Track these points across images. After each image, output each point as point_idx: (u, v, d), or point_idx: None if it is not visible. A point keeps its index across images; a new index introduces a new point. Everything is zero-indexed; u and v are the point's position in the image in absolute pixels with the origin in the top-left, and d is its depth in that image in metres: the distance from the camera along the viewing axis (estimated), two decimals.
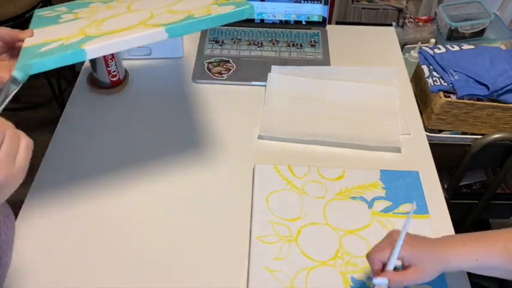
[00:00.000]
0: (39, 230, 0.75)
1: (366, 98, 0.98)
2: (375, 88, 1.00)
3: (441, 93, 1.09)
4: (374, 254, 0.59)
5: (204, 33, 1.13)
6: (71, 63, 0.59)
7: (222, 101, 0.98)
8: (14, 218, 0.73)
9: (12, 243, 0.70)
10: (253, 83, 1.02)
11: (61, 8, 0.81)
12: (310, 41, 1.12)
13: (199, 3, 0.68)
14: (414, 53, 1.30)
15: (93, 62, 0.93)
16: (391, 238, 0.59)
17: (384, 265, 0.58)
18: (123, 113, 0.95)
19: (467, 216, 1.36)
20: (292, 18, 1.15)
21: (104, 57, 0.91)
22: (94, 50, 0.60)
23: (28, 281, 0.68)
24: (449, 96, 1.09)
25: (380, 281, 0.56)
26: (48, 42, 0.64)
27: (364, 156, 0.88)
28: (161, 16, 0.66)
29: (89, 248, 0.73)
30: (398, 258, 0.57)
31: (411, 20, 1.42)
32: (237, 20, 0.64)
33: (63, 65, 0.59)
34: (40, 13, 0.81)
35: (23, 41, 0.66)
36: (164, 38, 0.62)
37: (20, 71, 0.58)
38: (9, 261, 0.68)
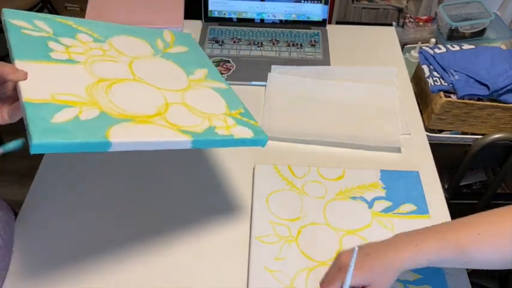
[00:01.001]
0: (38, 230, 0.74)
1: (366, 98, 0.98)
2: (375, 88, 1.00)
3: (441, 93, 1.09)
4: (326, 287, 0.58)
5: (204, 33, 1.13)
6: (91, 151, 0.50)
7: None
8: (14, 222, 0.74)
9: (11, 247, 0.70)
10: (253, 83, 1.02)
11: (41, 23, 0.65)
12: (310, 41, 1.12)
13: (210, 103, 0.66)
14: (414, 53, 1.30)
15: None
16: (339, 264, 0.58)
17: None
18: None
19: None
20: (292, 18, 1.15)
21: None
22: (120, 144, 0.51)
23: (27, 282, 0.68)
24: (449, 96, 1.09)
25: None
26: (56, 102, 0.53)
27: (364, 156, 0.88)
28: (178, 110, 0.60)
29: (89, 248, 0.73)
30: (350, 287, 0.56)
31: (411, 20, 1.42)
32: (249, 146, 0.65)
33: (81, 151, 0.50)
34: (15, 22, 0.62)
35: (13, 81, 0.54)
36: (186, 147, 0.57)
37: (35, 140, 0.47)
38: (7, 266, 0.68)
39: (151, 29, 0.78)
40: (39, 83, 0.55)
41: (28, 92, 0.53)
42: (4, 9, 0.64)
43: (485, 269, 0.59)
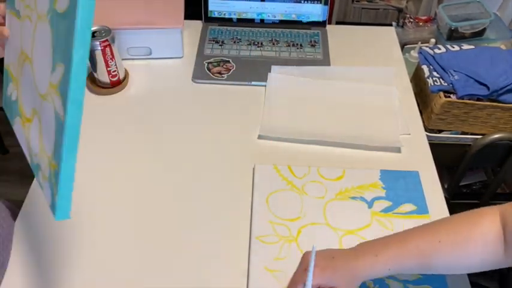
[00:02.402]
0: (38, 229, 0.75)
1: (365, 98, 0.98)
2: (375, 88, 1.00)
3: (441, 93, 1.09)
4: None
5: (204, 33, 1.13)
6: None
7: (222, 101, 0.98)
8: (13, 219, 0.74)
9: (9, 244, 0.70)
10: (253, 83, 1.02)
11: None
12: (310, 41, 1.12)
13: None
14: (414, 53, 1.30)
15: (93, 61, 0.93)
16: (304, 264, 0.60)
17: None
18: (123, 113, 0.95)
19: None
20: (292, 18, 1.15)
21: (104, 56, 0.92)
22: None
23: (27, 281, 0.69)
24: (449, 96, 1.09)
25: None
26: (9, 74, 0.58)
27: (364, 156, 0.88)
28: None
29: (89, 247, 0.73)
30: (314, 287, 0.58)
31: (411, 20, 1.42)
32: None
33: None
34: None
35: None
36: None
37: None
38: (5, 262, 0.68)
39: None
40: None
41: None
42: None
43: (445, 273, 0.61)
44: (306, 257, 0.61)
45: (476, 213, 0.59)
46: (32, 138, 0.53)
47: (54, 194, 0.47)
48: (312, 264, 0.58)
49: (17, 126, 0.56)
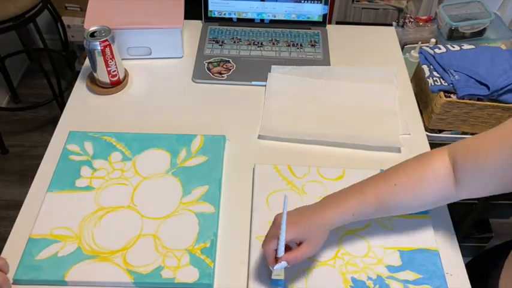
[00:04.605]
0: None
1: (366, 98, 0.98)
2: (375, 88, 1.00)
3: (441, 93, 1.09)
4: (266, 246, 0.63)
5: (204, 33, 1.13)
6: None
7: (222, 101, 0.98)
8: None
9: None
10: (253, 83, 1.02)
11: (89, 144, 0.85)
12: (310, 41, 1.12)
13: (181, 234, 0.73)
14: (414, 53, 1.30)
15: (93, 61, 0.93)
16: (276, 223, 0.64)
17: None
18: (123, 113, 0.95)
19: (467, 216, 1.36)
20: (292, 18, 1.15)
21: (104, 56, 0.92)
22: (73, 283, 0.68)
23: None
24: (449, 96, 1.09)
25: (279, 265, 0.61)
26: (50, 237, 0.71)
27: (364, 156, 0.88)
28: (143, 245, 0.71)
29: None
30: (287, 242, 0.62)
31: (411, 20, 1.42)
32: None
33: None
34: (69, 146, 0.84)
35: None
36: (129, 286, 0.68)
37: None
38: None
39: (186, 136, 0.87)
40: (50, 217, 0.74)
41: (36, 228, 0.72)
42: (72, 132, 0.87)
43: (402, 213, 0.69)
44: (277, 217, 0.65)
45: (427, 155, 0.67)
46: (138, 257, 0.71)
47: (204, 267, 0.69)
48: (285, 216, 0.61)
49: (83, 269, 0.70)
